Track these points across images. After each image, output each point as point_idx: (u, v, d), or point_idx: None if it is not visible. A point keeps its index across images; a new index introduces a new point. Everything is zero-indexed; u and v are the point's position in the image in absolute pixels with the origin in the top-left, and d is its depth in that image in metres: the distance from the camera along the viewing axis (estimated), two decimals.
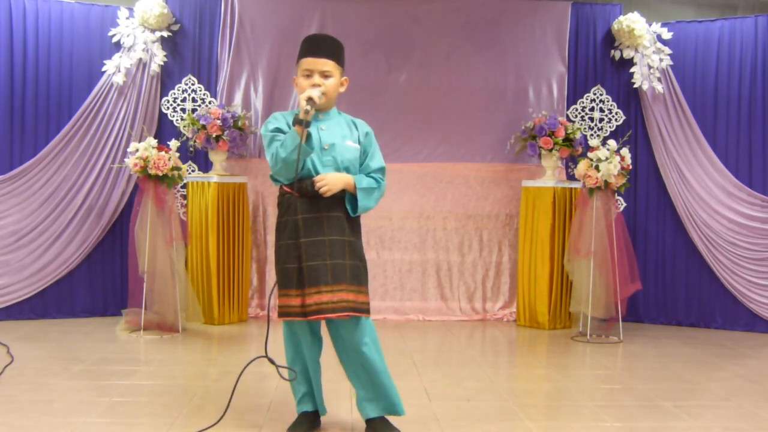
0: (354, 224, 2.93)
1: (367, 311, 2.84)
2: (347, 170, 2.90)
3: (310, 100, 2.73)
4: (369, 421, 2.92)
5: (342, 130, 2.94)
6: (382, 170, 3.00)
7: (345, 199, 2.88)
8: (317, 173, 2.85)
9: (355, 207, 2.88)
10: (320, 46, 2.89)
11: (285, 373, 2.93)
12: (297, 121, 2.71)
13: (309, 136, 2.74)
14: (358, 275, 2.85)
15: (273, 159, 2.79)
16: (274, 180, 2.92)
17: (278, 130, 2.86)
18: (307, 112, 2.70)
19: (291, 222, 2.85)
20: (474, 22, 5.87)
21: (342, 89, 2.97)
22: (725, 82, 5.62)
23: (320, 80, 2.85)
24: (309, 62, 2.86)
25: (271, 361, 2.85)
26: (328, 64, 2.86)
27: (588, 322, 5.15)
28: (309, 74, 2.86)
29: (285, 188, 2.90)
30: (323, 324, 2.96)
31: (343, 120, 3.00)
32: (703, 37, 5.70)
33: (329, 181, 2.81)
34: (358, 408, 2.95)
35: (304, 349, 2.94)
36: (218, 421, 3.04)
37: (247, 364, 3.10)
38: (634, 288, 5.22)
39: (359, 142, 2.97)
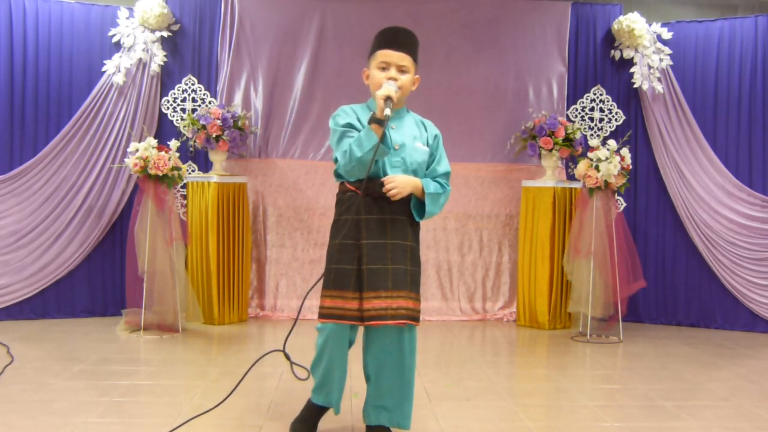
0: (416, 229, 2.85)
1: (419, 319, 2.74)
2: (415, 173, 2.80)
3: (388, 99, 2.60)
4: (371, 428, 2.83)
5: (412, 131, 2.84)
6: (447, 175, 2.89)
7: (410, 203, 2.78)
8: (385, 174, 2.74)
9: (421, 212, 2.79)
10: (400, 39, 2.78)
11: (299, 371, 2.89)
12: (374, 120, 2.59)
13: (384, 135, 2.60)
14: (416, 282, 2.77)
15: (346, 157, 2.64)
16: (339, 176, 2.81)
17: (350, 126, 2.73)
18: (385, 111, 2.57)
19: (351, 221, 2.73)
20: (474, 22, 5.87)
21: (414, 87, 2.84)
22: (725, 82, 5.63)
23: (396, 74, 2.74)
24: (387, 54, 2.75)
25: (287, 357, 2.81)
26: (405, 59, 2.76)
27: (588, 322, 5.15)
28: (385, 67, 2.76)
29: (348, 185, 2.79)
30: (360, 329, 2.84)
31: (413, 120, 2.91)
32: (703, 37, 5.70)
33: (399, 184, 2.70)
34: (364, 412, 2.86)
35: (337, 352, 2.78)
36: (222, 402, 3.01)
37: (263, 355, 3.08)
38: (638, 286, 5.21)
39: (428, 144, 2.88)
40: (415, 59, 2.81)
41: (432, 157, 2.88)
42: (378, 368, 2.77)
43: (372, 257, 2.69)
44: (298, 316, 2.87)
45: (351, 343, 2.87)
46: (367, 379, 2.84)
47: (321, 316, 2.73)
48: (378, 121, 2.59)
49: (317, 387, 2.91)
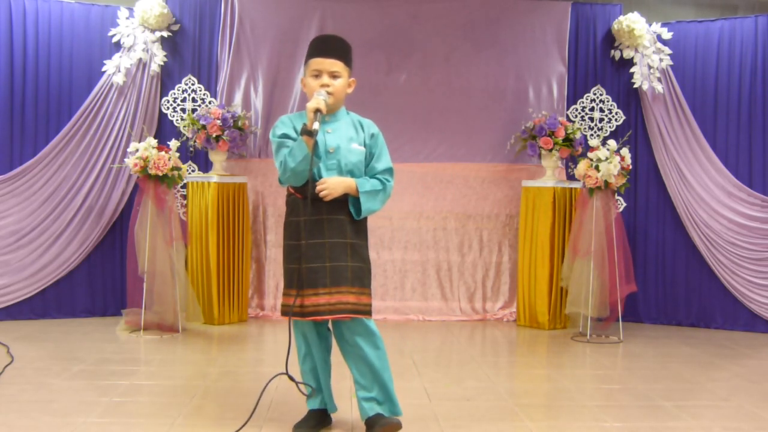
0: (358, 227, 2.93)
1: (368, 312, 2.87)
2: (351, 173, 2.90)
3: (317, 111, 2.73)
4: (369, 420, 2.92)
5: (348, 133, 2.94)
6: (388, 171, 2.99)
7: (348, 202, 2.89)
8: (320, 177, 2.86)
9: (358, 210, 2.89)
10: (329, 46, 2.91)
11: (304, 388, 3.00)
12: (305, 131, 2.72)
13: (316, 144, 2.74)
14: (360, 277, 2.87)
15: (282, 167, 2.80)
16: (282, 182, 2.93)
17: (286, 135, 2.87)
18: (314, 125, 2.71)
19: (295, 223, 2.89)
20: (474, 21, 5.87)
21: (350, 90, 2.98)
22: (725, 82, 5.62)
23: (329, 80, 2.86)
24: (318, 62, 2.88)
25: (291, 378, 2.90)
26: (336, 65, 2.88)
27: (588, 322, 5.15)
28: (318, 74, 2.88)
29: (290, 189, 2.94)
30: (329, 325, 3.00)
31: (351, 121, 2.99)
32: (703, 37, 5.70)
33: (329, 185, 2.82)
34: (359, 409, 2.95)
35: (312, 348, 2.99)
36: (241, 427, 3.02)
37: (269, 381, 3.10)
38: (629, 290, 5.21)
39: (365, 144, 2.96)
40: (347, 63, 2.93)
41: (370, 155, 2.98)
42: (350, 363, 2.94)
43: (310, 256, 2.83)
44: (290, 336, 2.90)
45: (325, 341, 3.03)
46: (352, 375, 2.99)
47: (281, 313, 2.94)
48: (308, 133, 2.72)
49: (312, 390, 3.04)
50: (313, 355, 3.00)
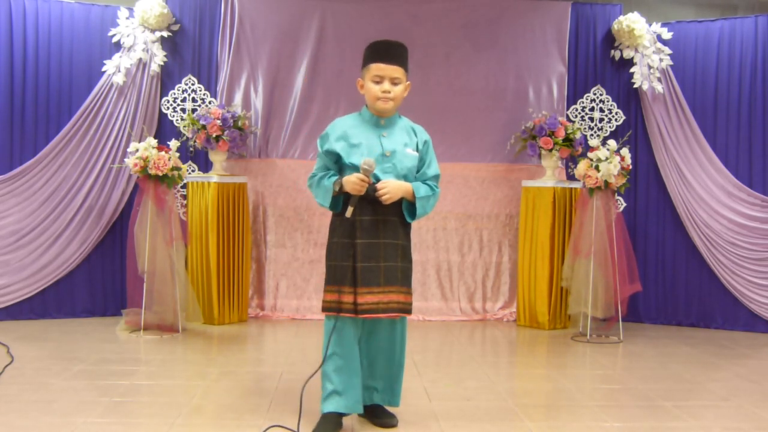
0: (406, 229, 3.03)
1: (411, 311, 3.00)
2: (405, 177, 2.98)
3: (367, 171, 2.81)
4: (369, 407, 3.05)
5: (403, 138, 3.02)
6: (437, 178, 3.08)
7: (402, 205, 2.97)
8: (378, 179, 2.92)
9: (412, 214, 2.98)
10: (391, 52, 2.96)
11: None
12: (342, 193, 2.90)
13: (348, 198, 2.89)
14: (408, 277, 2.99)
15: (312, 190, 3.02)
16: None
17: (328, 152, 2.95)
18: (348, 210, 2.85)
19: (348, 222, 2.92)
20: (474, 21, 5.87)
21: (405, 94, 3.04)
22: (725, 82, 5.62)
23: (390, 87, 2.93)
24: (380, 68, 2.93)
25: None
26: (398, 71, 2.96)
27: (588, 323, 5.15)
28: (379, 81, 2.94)
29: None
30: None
31: (404, 125, 3.07)
32: (703, 37, 5.70)
33: (391, 189, 2.89)
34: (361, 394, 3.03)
35: (347, 346, 2.94)
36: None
37: (309, 378, 3.06)
38: (633, 289, 5.21)
39: (418, 149, 3.04)
40: (406, 69, 3.00)
41: (422, 161, 3.07)
42: (371, 355, 3.04)
43: (365, 256, 2.90)
44: (301, 400, 2.96)
45: (360, 342, 3.03)
46: (363, 365, 3.05)
47: (323, 309, 2.96)
48: (344, 196, 2.92)
49: (331, 392, 2.95)
50: (342, 355, 2.93)
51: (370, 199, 2.89)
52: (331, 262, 2.96)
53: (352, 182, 2.84)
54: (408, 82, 3.03)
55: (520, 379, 4.22)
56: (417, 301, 5.83)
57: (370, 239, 2.91)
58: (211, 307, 5.34)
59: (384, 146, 2.96)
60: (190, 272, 5.36)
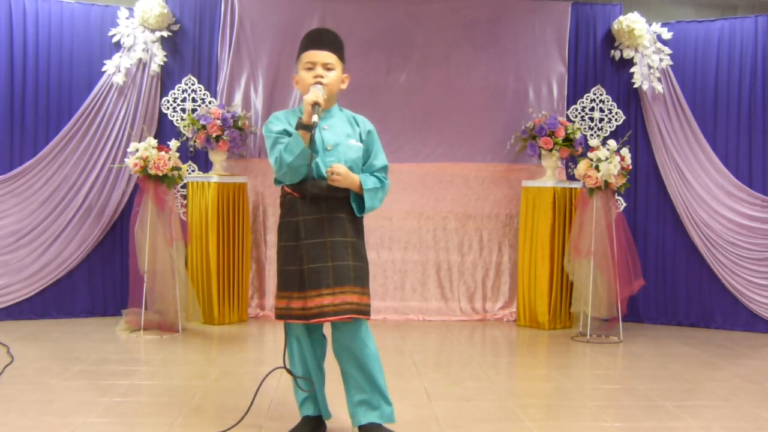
0: (357, 225, 2.88)
1: (368, 313, 2.80)
2: (350, 170, 2.82)
3: (315, 105, 2.67)
4: (362, 428, 2.83)
5: (345, 129, 2.88)
6: (385, 169, 2.94)
7: (348, 199, 2.83)
8: (320, 175, 2.78)
9: (360, 207, 2.84)
10: (322, 38, 2.84)
11: (303, 383, 2.91)
12: (301, 126, 2.66)
13: (312, 140, 2.68)
14: (362, 276, 2.81)
15: (278, 163, 2.73)
16: (277, 181, 2.87)
17: (284, 132, 2.78)
18: (312, 117, 2.64)
19: (292, 223, 2.81)
20: (474, 21, 5.87)
21: (343, 86, 2.90)
22: (725, 82, 5.62)
23: (323, 72, 2.79)
24: (311, 55, 2.81)
25: (290, 372, 2.86)
26: (330, 57, 2.82)
27: (588, 322, 5.15)
28: (311, 67, 2.81)
29: (286, 189, 2.86)
30: (325, 327, 2.92)
31: (345, 117, 2.94)
32: (703, 37, 5.70)
33: (342, 174, 2.74)
34: (351, 414, 2.87)
35: (305, 353, 2.89)
36: (237, 424, 3.02)
37: (267, 375, 3.08)
38: (638, 284, 5.21)
39: (361, 140, 2.91)
40: (340, 57, 2.87)
41: (368, 152, 2.93)
42: (342, 364, 2.85)
43: (311, 257, 2.76)
44: (286, 334, 2.86)
45: (320, 345, 2.95)
46: (342, 378, 2.89)
47: (276, 317, 2.85)
48: (305, 127, 2.66)
49: (305, 398, 2.96)
50: (306, 360, 2.90)
51: (312, 196, 2.74)
52: (279, 267, 2.84)
53: (306, 102, 2.66)
54: (346, 75, 2.90)
55: (520, 379, 4.22)
56: (417, 301, 5.84)
57: (315, 239, 2.76)
58: (211, 307, 5.34)
59: (325, 140, 2.80)
60: (190, 272, 5.36)
